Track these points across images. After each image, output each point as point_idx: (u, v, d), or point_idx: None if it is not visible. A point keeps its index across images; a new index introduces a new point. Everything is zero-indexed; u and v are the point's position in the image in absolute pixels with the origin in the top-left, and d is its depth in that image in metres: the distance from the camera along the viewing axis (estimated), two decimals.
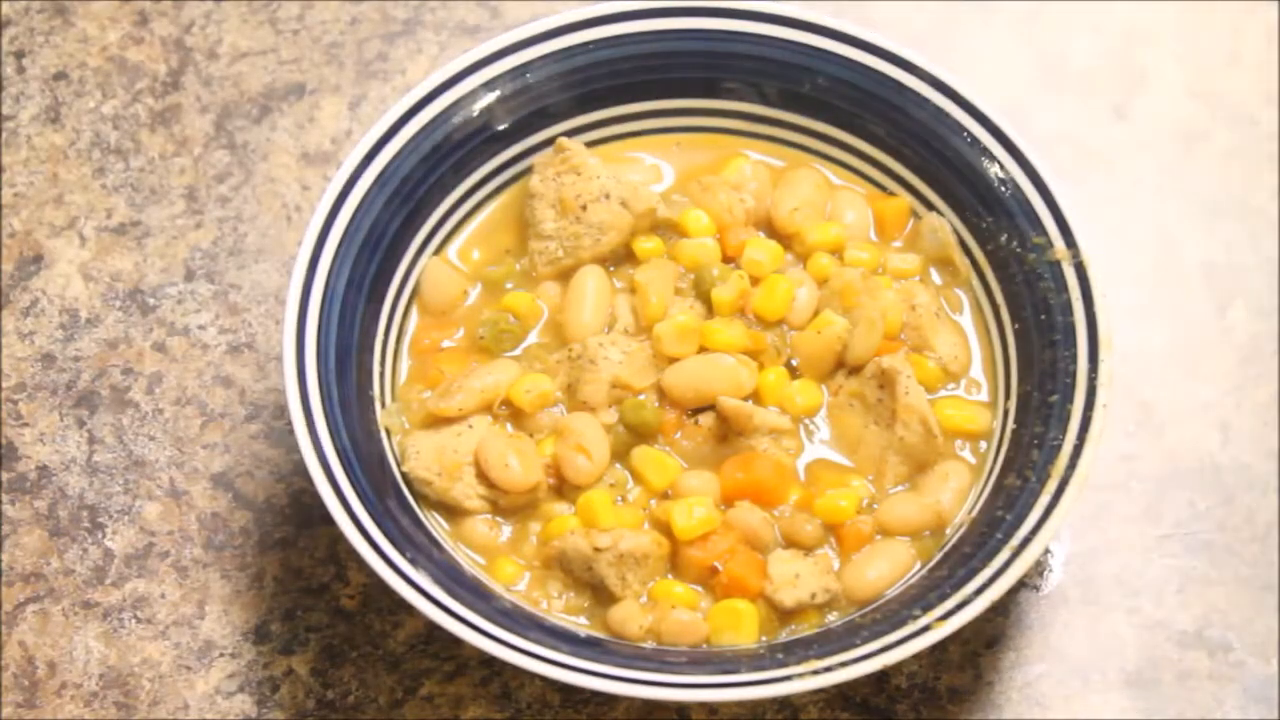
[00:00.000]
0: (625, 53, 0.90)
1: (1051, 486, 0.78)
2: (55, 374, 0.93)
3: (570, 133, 0.91)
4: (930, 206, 0.90)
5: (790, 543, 0.83)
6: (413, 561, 0.77)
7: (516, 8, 1.04)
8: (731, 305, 0.86)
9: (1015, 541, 0.77)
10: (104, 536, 0.89)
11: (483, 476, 0.83)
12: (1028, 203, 0.85)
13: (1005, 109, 0.87)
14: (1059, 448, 0.79)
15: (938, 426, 0.84)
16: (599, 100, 0.91)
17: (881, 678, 0.85)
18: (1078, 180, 0.97)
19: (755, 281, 0.87)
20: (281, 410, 0.92)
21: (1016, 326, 0.86)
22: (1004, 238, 0.86)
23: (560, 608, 0.82)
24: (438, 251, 0.90)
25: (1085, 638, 0.86)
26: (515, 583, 0.82)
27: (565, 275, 0.89)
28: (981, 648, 0.86)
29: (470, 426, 0.84)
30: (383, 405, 0.85)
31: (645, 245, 0.89)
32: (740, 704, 0.84)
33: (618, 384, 0.85)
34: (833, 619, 0.81)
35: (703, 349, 0.85)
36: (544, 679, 0.81)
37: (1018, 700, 0.85)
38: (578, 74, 0.90)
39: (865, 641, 0.76)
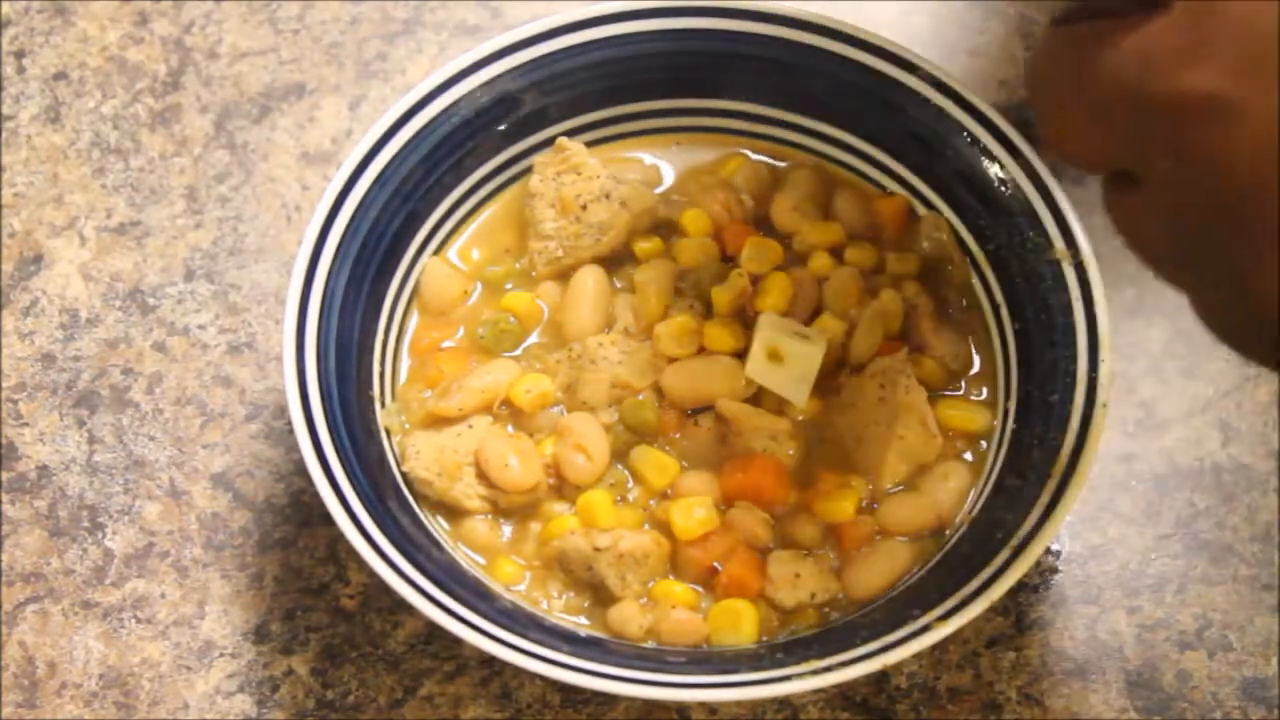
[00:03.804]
0: (625, 53, 0.90)
1: (1051, 486, 0.78)
2: (55, 374, 0.93)
3: (570, 133, 0.91)
4: (930, 206, 0.90)
5: (790, 543, 0.83)
6: (413, 561, 0.77)
7: (516, 8, 1.04)
8: (731, 305, 0.86)
9: (1015, 541, 0.77)
10: (104, 536, 0.89)
11: (483, 476, 0.82)
12: (1028, 203, 0.85)
13: (1005, 109, 0.87)
14: (1059, 448, 0.79)
15: (937, 426, 0.84)
16: (599, 100, 0.91)
17: (881, 678, 0.85)
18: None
19: (755, 281, 0.87)
20: (281, 410, 0.92)
21: (1016, 326, 0.86)
22: (1004, 238, 0.86)
23: (560, 608, 0.82)
24: (438, 251, 0.90)
25: (1085, 638, 0.86)
26: (515, 583, 0.82)
27: (565, 275, 0.89)
28: (981, 648, 0.86)
29: (470, 426, 0.84)
30: (383, 405, 0.85)
31: (645, 245, 0.89)
32: (740, 704, 0.84)
33: (618, 384, 0.85)
34: (833, 619, 0.81)
35: (702, 349, 0.85)
36: (544, 679, 0.81)
37: (1018, 700, 0.85)
38: (577, 74, 0.90)
39: (865, 641, 0.75)
